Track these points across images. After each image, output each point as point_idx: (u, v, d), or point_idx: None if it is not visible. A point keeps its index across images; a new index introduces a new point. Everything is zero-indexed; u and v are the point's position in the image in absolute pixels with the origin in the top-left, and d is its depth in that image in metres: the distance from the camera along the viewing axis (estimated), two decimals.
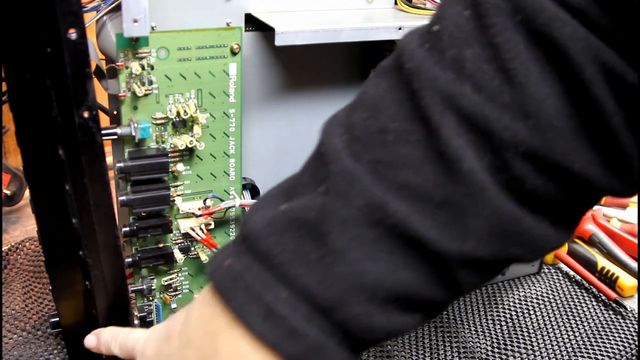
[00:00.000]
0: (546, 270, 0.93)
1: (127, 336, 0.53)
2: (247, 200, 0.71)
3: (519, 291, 0.88)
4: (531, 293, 0.88)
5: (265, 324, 0.38)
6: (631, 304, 0.86)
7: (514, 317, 0.83)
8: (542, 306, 0.85)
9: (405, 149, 0.37)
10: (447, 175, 0.36)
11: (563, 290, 0.89)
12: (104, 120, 0.60)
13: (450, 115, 0.36)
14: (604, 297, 0.87)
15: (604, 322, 0.82)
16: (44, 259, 0.59)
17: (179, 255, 0.68)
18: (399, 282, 0.37)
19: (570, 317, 0.83)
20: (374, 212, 0.37)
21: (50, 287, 0.61)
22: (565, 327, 0.81)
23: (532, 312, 0.84)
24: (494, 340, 0.78)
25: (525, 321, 0.82)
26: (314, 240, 0.38)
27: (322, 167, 0.39)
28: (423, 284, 0.38)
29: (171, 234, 0.68)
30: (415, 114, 0.37)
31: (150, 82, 0.61)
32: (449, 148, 0.36)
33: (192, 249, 0.70)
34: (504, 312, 0.84)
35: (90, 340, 0.60)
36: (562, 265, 0.94)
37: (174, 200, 0.66)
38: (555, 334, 0.80)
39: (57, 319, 0.64)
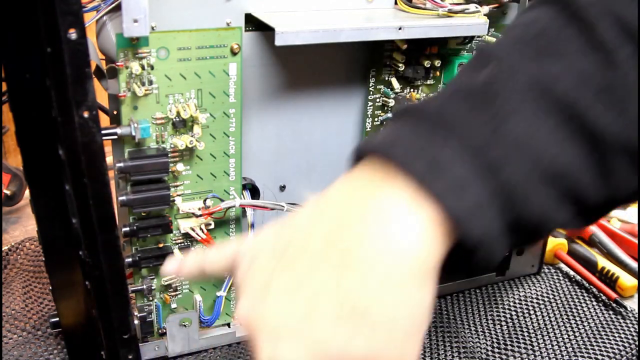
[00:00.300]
0: (546, 270, 0.93)
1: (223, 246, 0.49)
2: (247, 200, 0.71)
3: (519, 291, 0.88)
4: (531, 293, 0.88)
5: (430, 173, 0.37)
6: (631, 304, 0.86)
7: (514, 317, 0.83)
8: (542, 306, 0.85)
9: (563, 44, 0.40)
10: (606, 64, 0.38)
11: (563, 291, 0.89)
12: (104, 120, 0.60)
13: (604, 18, 0.39)
14: (604, 297, 0.87)
15: (604, 322, 0.82)
16: (44, 259, 0.59)
17: (179, 255, 0.67)
18: (560, 158, 0.38)
19: (571, 317, 0.83)
20: (539, 85, 0.38)
21: (50, 287, 0.61)
22: (566, 327, 0.81)
23: (532, 312, 0.84)
24: (494, 340, 0.78)
25: (526, 321, 0.82)
26: (482, 103, 0.39)
27: (484, 58, 0.41)
28: (580, 165, 0.39)
29: (171, 234, 0.68)
30: (569, 20, 0.40)
31: (150, 82, 0.61)
32: (605, 39, 0.39)
33: (192, 249, 0.70)
34: (504, 312, 0.84)
35: (170, 265, 0.53)
36: (562, 265, 0.94)
37: (174, 200, 0.66)
38: (555, 334, 0.80)
39: (57, 319, 0.64)
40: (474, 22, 0.68)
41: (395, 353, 0.39)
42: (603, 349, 0.77)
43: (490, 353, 0.76)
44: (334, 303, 0.39)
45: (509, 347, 0.77)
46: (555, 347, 0.77)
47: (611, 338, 0.79)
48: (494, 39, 0.75)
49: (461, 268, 0.41)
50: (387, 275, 0.38)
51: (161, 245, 0.67)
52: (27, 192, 1.01)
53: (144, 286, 0.68)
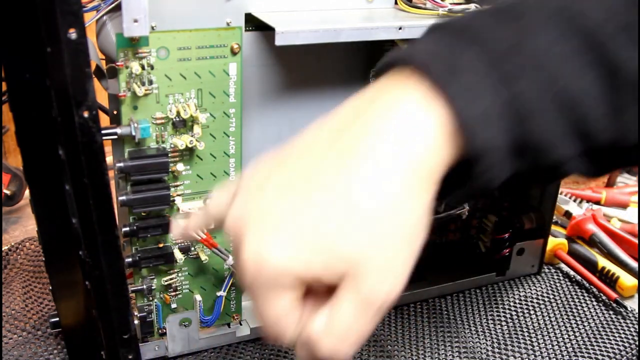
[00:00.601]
0: (546, 270, 0.93)
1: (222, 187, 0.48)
2: None
3: (519, 291, 0.88)
4: (531, 293, 0.88)
5: (447, 72, 0.37)
6: (631, 304, 0.86)
7: (515, 317, 0.83)
8: (542, 306, 0.85)
9: None
10: (633, 3, 0.39)
11: (563, 290, 0.89)
12: (104, 120, 0.60)
13: None
14: (604, 297, 0.87)
15: (604, 322, 0.82)
16: (44, 259, 0.59)
17: (179, 255, 0.67)
18: (575, 83, 0.38)
19: (571, 317, 0.83)
20: (569, 10, 0.39)
21: (50, 287, 0.61)
22: (566, 327, 0.81)
23: (532, 312, 0.84)
24: (494, 340, 0.78)
25: (526, 321, 0.82)
26: (509, 18, 0.39)
27: None
28: (594, 94, 0.39)
29: (171, 234, 0.68)
30: None
31: (150, 82, 0.61)
32: None
33: (192, 249, 0.70)
34: (505, 312, 0.84)
35: (177, 226, 0.55)
36: (562, 266, 0.94)
37: (174, 200, 0.66)
38: (555, 334, 0.80)
39: (57, 319, 0.64)
40: None
41: (385, 256, 0.38)
42: (603, 349, 0.77)
43: (490, 353, 0.76)
44: (330, 195, 0.38)
45: (509, 347, 0.77)
46: (556, 347, 0.77)
47: (611, 338, 0.79)
48: None
49: (461, 189, 0.41)
50: (389, 171, 0.38)
51: (161, 245, 0.67)
52: (27, 192, 1.01)
53: (144, 286, 0.68)
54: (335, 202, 0.38)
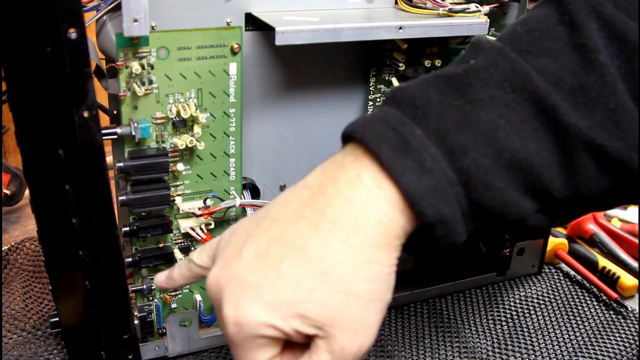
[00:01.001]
0: (547, 270, 0.93)
1: (204, 245, 0.52)
2: (247, 200, 0.70)
3: (519, 291, 0.88)
4: (532, 293, 0.88)
5: (394, 154, 0.41)
6: (632, 303, 0.86)
7: (515, 317, 0.83)
8: (542, 306, 0.85)
9: (549, 42, 0.42)
10: (584, 65, 0.41)
11: (564, 290, 0.89)
12: (104, 119, 0.60)
13: (592, 19, 0.42)
14: (604, 297, 0.87)
15: (604, 322, 0.82)
16: (43, 258, 0.59)
17: (179, 255, 0.67)
18: (525, 150, 0.41)
19: (571, 317, 0.83)
20: (517, 77, 0.41)
21: (50, 287, 0.61)
22: (566, 327, 0.81)
23: (532, 312, 0.84)
24: (495, 340, 0.78)
25: (526, 321, 0.82)
26: (457, 90, 0.41)
27: (473, 50, 0.44)
28: (546, 158, 0.41)
29: (171, 234, 0.68)
30: (561, 18, 0.43)
31: (150, 82, 0.60)
32: (589, 41, 0.41)
33: (192, 248, 0.69)
34: (505, 312, 0.84)
35: (160, 277, 0.57)
36: (562, 265, 0.94)
37: (174, 200, 0.66)
38: (555, 334, 0.80)
39: (57, 318, 0.64)
40: (474, 22, 0.68)
41: (352, 317, 0.42)
42: (604, 349, 0.77)
43: (490, 353, 0.76)
44: (301, 259, 0.41)
45: (510, 347, 0.77)
46: (556, 347, 0.77)
47: (612, 338, 0.79)
48: (494, 39, 0.75)
49: (426, 247, 0.44)
50: (351, 236, 0.41)
51: (161, 245, 0.67)
52: (27, 192, 1.01)
53: (144, 286, 0.68)
54: (305, 271, 0.41)
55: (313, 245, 0.41)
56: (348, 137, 0.44)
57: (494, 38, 0.70)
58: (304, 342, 0.43)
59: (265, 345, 0.43)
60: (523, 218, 0.43)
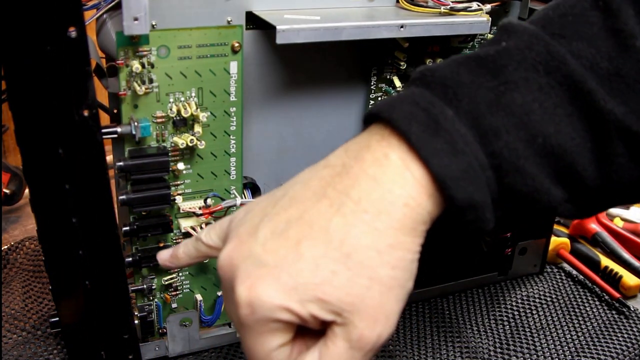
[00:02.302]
0: (549, 270, 0.93)
1: (213, 224, 0.50)
2: (248, 199, 0.70)
3: (521, 291, 0.88)
4: (534, 293, 0.88)
5: (424, 134, 0.39)
6: (634, 303, 0.86)
7: (517, 316, 0.83)
8: (544, 306, 0.85)
9: (583, 27, 0.41)
10: (620, 50, 0.40)
11: (566, 290, 0.88)
12: (104, 118, 0.60)
13: (629, 4, 0.40)
14: (607, 297, 0.86)
15: (607, 322, 0.82)
16: (43, 258, 0.58)
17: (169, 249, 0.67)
18: (559, 135, 0.39)
19: (573, 317, 0.82)
20: (552, 60, 0.39)
21: (50, 287, 0.61)
22: (568, 326, 0.81)
23: (534, 311, 0.84)
24: (497, 340, 0.78)
25: (528, 321, 0.82)
26: (489, 71, 0.40)
27: (504, 32, 0.42)
28: (579, 145, 0.40)
29: (172, 234, 0.68)
30: (595, 3, 0.41)
31: (151, 81, 0.60)
32: (626, 26, 0.40)
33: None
34: (507, 312, 0.84)
35: (164, 255, 0.56)
36: (565, 265, 0.94)
37: (174, 200, 0.66)
38: (558, 333, 0.80)
39: (57, 318, 0.64)
40: (476, 20, 0.68)
41: (373, 304, 0.39)
42: (606, 348, 0.77)
43: (492, 353, 0.76)
44: (322, 240, 0.39)
45: (512, 347, 0.77)
46: (558, 347, 0.77)
47: (614, 338, 0.79)
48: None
49: (453, 233, 0.42)
50: (376, 218, 0.39)
51: (162, 244, 0.67)
52: (26, 191, 1.01)
53: (144, 286, 0.68)
54: (326, 253, 0.39)
55: (335, 225, 0.39)
56: (373, 118, 0.42)
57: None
58: (318, 329, 0.41)
59: (278, 330, 0.40)
60: (553, 206, 0.41)
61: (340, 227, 0.39)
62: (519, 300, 0.86)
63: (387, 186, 0.39)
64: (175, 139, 0.63)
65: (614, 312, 0.84)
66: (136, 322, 0.69)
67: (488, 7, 0.69)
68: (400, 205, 0.39)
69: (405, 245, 0.40)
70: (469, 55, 0.42)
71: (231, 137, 0.66)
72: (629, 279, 0.87)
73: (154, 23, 0.59)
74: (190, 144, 0.63)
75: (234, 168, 0.67)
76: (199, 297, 0.71)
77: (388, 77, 0.73)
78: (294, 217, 0.41)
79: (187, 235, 0.68)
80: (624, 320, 0.82)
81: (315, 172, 0.43)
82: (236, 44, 0.62)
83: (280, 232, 0.40)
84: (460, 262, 0.89)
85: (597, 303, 0.85)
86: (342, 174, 0.41)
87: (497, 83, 0.40)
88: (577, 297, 0.87)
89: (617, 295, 0.85)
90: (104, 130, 0.57)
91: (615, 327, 0.81)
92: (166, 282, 0.69)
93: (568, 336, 0.79)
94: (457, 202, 0.39)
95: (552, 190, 0.41)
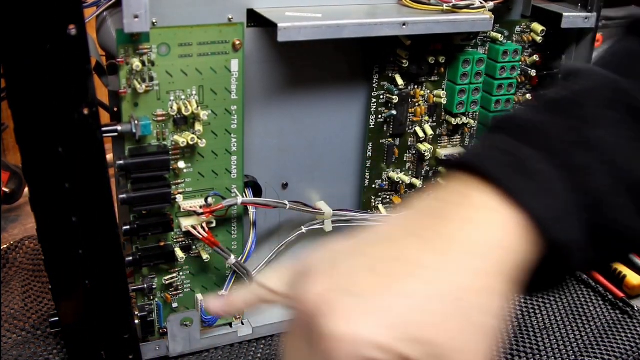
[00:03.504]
0: None
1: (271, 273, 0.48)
2: (249, 198, 0.70)
3: None
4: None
5: (516, 177, 0.39)
6: (638, 303, 0.85)
7: (520, 316, 0.82)
8: (547, 305, 0.84)
9: None
10: None
11: (569, 289, 0.88)
12: (104, 117, 0.60)
13: None
14: (610, 296, 0.86)
15: (610, 322, 0.81)
16: (43, 257, 0.58)
17: (180, 254, 0.67)
18: (638, 168, 0.40)
19: (577, 316, 0.82)
20: (624, 97, 0.40)
21: (50, 286, 0.61)
22: (572, 326, 0.80)
23: (537, 311, 0.83)
24: (499, 340, 0.77)
25: (531, 320, 0.81)
26: (567, 112, 0.41)
27: (569, 75, 0.44)
28: None
29: (172, 233, 0.67)
30: None
31: (151, 79, 0.60)
32: None
33: (194, 247, 0.69)
34: (509, 311, 0.83)
35: (216, 303, 0.53)
36: None
37: (175, 199, 0.65)
38: (561, 333, 0.79)
39: (57, 318, 0.64)
40: (478, 18, 0.68)
41: (469, 348, 0.38)
42: (610, 348, 0.76)
43: (494, 352, 0.75)
44: (419, 281, 0.38)
45: (514, 347, 0.76)
46: (561, 347, 0.77)
47: (618, 338, 0.78)
48: (499, 35, 0.75)
49: (542, 280, 0.43)
50: (474, 260, 0.39)
51: (162, 243, 0.67)
52: (26, 190, 1.01)
53: (145, 285, 0.68)
54: (425, 292, 0.38)
55: (433, 265, 0.38)
56: (458, 167, 0.42)
57: (499, 34, 0.70)
58: None
59: None
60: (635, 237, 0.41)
61: (438, 266, 0.38)
62: (522, 300, 0.85)
63: (484, 229, 0.39)
64: (176, 137, 0.62)
65: (617, 311, 0.83)
66: (136, 321, 0.68)
67: (491, 4, 0.69)
68: (497, 249, 0.39)
69: (501, 292, 0.40)
70: (544, 99, 0.43)
71: (232, 135, 0.65)
72: (632, 278, 0.87)
73: (154, 21, 0.58)
74: (191, 143, 0.62)
75: (235, 167, 0.67)
76: (199, 296, 0.71)
77: (390, 75, 0.73)
78: (389, 255, 0.40)
79: (187, 234, 0.67)
80: (628, 320, 0.81)
81: (405, 217, 0.42)
82: (237, 42, 0.62)
83: (376, 270, 0.39)
84: None
85: (601, 302, 0.85)
86: (436, 216, 0.40)
87: (577, 122, 0.40)
88: (581, 296, 0.86)
89: (621, 294, 0.84)
90: (104, 129, 0.57)
91: (619, 326, 0.80)
92: (167, 282, 0.69)
93: (572, 336, 0.79)
94: (557, 243, 0.39)
95: (637, 227, 0.41)
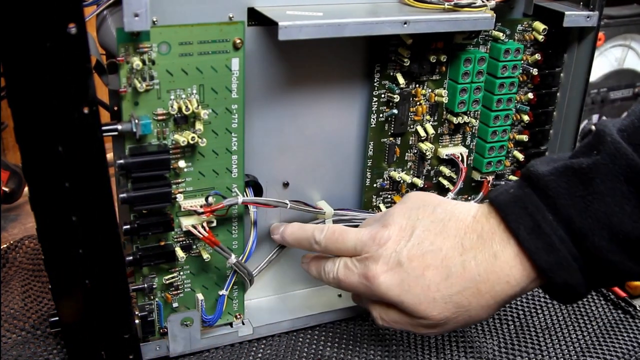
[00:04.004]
0: None
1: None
2: (250, 197, 0.70)
3: None
4: (539, 292, 0.87)
5: (529, 235, 0.54)
6: None
7: (522, 316, 0.82)
8: (549, 305, 0.84)
9: None
10: None
11: None
12: (104, 116, 0.59)
13: None
14: (613, 296, 0.86)
15: (612, 322, 0.81)
16: (43, 257, 0.58)
17: (180, 254, 0.67)
18: (637, 230, 0.51)
19: (579, 316, 0.82)
20: (631, 172, 0.50)
21: (50, 286, 0.60)
22: (574, 326, 0.80)
23: (539, 311, 0.83)
24: (501, 340, 0.77)
25: (533, 320, 0.81)
26: (582, 183, 0.52)
27: (597, 141, 0.53)
28: None
29: (172, 232, 0.67)
30: None
31: (152, 78, 0.60)
32: None
33: (194, 247, 0.69)
34: (511, 311, 0.83)
35: (277, 226, 0.74)
36: None
37: (175, 198, 0.65)
38: (563, 333, 0.79)
39: (57, 318, 0.64)
40: (480, 17, 0.68)
41: (456, 326, 0.61)
42: (612, 348, 0.76)
43: (497, 353, 0.75)
44: (442, 275, 0.59)
45: (516, 347, 0.76)
46: (563, 347, 0.76)
47: (620, 337, 0.78)
48: (501, 34, 0.75)
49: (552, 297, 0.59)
50: (483, 284, 0.57)
51: (162, 243, 0.66)
52: (26, 190, 1.00)
53: (145, 285, 0.67)
54: (440, 286, 0.58)
55: (455, 269, 0.58)
56: (494, 206, 0.58)
57: (500, 33, 0.70)
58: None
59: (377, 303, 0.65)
60: (637, 278, 0.56)
61: (458, 273, 0.58)
62: (524, 300, 0.85)
63: (500, 265, 0.56)
64: (176, 136, 0.62)
65: (620, 311, 0.83)
66: (137, 321, 0.68)
67: (492, 3, 0.69)
68: (503, 282, 0.56)
69: (490, 313, 0.59)
70: (568, 166, 0.53)
71: (233, 134, 0.65)
72: None
73: (154, 19, 0.58)
74: (191, 142, 0.62)
75: (236, 166, 0.67)
76: (200, 296, 0.71)
77: (391, 74, 0.73)
78: (434, 246, 0.59)
79: (188, 233, 0.67)
80: (630, 320, 0.81)
81: (467, 224, 0.59)
82: (238, 41, 0.61)
83: (422, 249, 0.59)
84: None
85: (603, 302, 0.85)
86: (476, 236, 0.58)
87: (587, 193, 0.52)
88: None
89: (623, 294, 0.84)
90: (104, 128, 0.57)
91: (621, 326, 0.80)
92: (167, 281, 0.69)
93: (573, 336, 0.78)
94: (556, 287, 0.55)
95: (635, 269, 0.53)
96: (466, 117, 0.77)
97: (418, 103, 0.75)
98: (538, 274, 0.55)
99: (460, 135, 0.80)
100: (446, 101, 0.76)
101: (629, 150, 0.51)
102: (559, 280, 0.54)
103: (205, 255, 0.68)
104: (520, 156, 0.84)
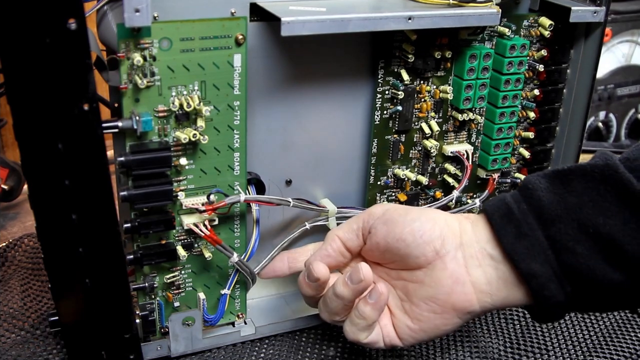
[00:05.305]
0: None
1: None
2: (252, 195, 0.69)
3: None
4: None
5: (501, 220, 0.58)
6: None
7: (527, 315, 0.81)
8: None
9: None
10: None
11: None
12: (105, 112, 0.59)
13: None
14: None
15: (619, 321, 0.81)
16: (42, 256, 0.58)
17: (181, 252, 0.66)
18: (608, 226, 0.52)
19: (585, 316, 0.81)
20: (607, 170, 0.53)
21: (49, 285, 0.60)
22: (580, 325, 0.80)
23: None
24: (507, 340, 0.77)
25: None
26: (561, 182, 0.56)
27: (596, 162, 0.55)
28: (628, 235, 0.52)
29: (174, 230, 0.66)
30: None
31: (153, 74, 0.59)
32: None
33: (196, 245, 0.68)
34: (517, 311, 0.82)
35: (280, 265, 0.73)
36: None
37: (176, 196, 0.64)
38: (569, 332, 0.78)
39: (56, 317, 0.64)
40: (485, 12, 0.67)
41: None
42: (619, 348, 0.76)
43: (502, 352, 0.75)
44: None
45: (522, 347, 0.76)
46: (570, 346, 0.76)
47: (627, 337, 0.78)
48: (506, 30, 0.74)
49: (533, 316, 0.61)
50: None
51: (164, 241, 0.66)
52: (25, 187, 1.00)
53: (146, 284, 0.67)
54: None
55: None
56: (487, 215, 0.60)
57: (506, 29, 0.70)
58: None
59: None
60: (615, 288, 0.54)
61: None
62: None
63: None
64: (178, 133, 0.62)
65: (626, 310, 0.83)
66: (137, 321, 0.68)
67: None
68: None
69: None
70: (554, 170, 0.57)
71: (235, 131, 0.65)
72: None
73: (155, 15, 0.58)
74: (193, 139, 0.61)
75: (238, 163, 0.66)
76: (201, 295, 0.70)
77: (396, 70, 0.72)
78: None
79: (189, 232, 0.66)
80: (637, 319, 0.81)
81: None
82: (240, 36, 0.61)
83: None
84: None
85: None
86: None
87: (564, 190, 0.55)
88: None
89: None
90: (104, 125, 0.57)
91: (628, 325, 0.80)
92: (168, 280, 0.68)
93: (580, 335, 0.78)
94: (520, 271, 0.56)
95: (608, 271, 0.53)
96: (471, 113, 0.77)
97: (423, 100, 0.75)
98: (504, 259, 0.58)
99: (466, 132, 0.79)
100: (451, 98, 0.75)
101: (609, 154, 0.54)
102: (523, 266, 0.56)
103: (207, 254, 0.68)
104: (526, 153, 0.83)
